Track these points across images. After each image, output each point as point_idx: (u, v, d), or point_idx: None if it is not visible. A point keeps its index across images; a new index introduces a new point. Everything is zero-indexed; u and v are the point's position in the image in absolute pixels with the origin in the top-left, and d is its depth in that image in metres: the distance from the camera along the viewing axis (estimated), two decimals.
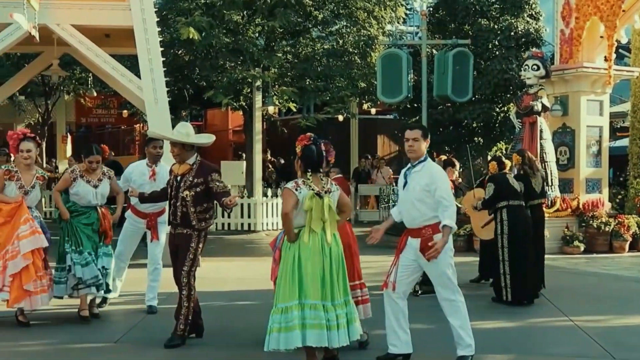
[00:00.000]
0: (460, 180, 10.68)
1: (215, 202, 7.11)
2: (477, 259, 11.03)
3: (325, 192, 6.12)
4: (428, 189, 6.25)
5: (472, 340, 6.41)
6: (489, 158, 11.07)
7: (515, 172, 10.02)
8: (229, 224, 18.10)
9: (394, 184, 17.43)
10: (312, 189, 6.06)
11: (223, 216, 17.99)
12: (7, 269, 7.46)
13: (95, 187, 7.96)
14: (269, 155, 23.69)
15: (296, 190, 6.05)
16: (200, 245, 7.07)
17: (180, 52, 16.93)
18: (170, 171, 7.27)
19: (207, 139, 7.44)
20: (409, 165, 6.51)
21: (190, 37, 14.92)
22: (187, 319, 7.04)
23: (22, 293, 7.48)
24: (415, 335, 6.62)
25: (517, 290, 9.12)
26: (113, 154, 17.33)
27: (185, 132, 7.05)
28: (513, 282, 9.12)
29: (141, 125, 25.23)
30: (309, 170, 6.15)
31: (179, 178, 7.06)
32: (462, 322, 6.39)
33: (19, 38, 12.06)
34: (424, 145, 6.43)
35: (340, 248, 6.22)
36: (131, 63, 14.89)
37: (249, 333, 7.53)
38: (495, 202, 9.35)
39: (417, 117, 17.25)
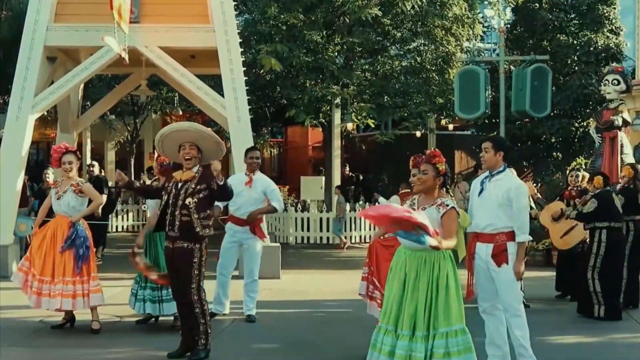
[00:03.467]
0: (538, 195, 10.46)
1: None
2: (554, 273, 10.76)
3: None
4: (509, 198, 6.19)
5: (532, 352, 6.28)
6: (579, 172, 10.75)
7: (619, 186, 9.75)
8: (308, 238, 18.19)
9: None
10: (460, 208, 5.82)
11: (303, 230, 18.09)
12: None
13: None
14: (347, 170, 23.67)
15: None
16: (204, 259, 6.72)
17: (262, 71, 17.19)
18: (170, 178, 6.93)
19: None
20: (487, 173, 6.45)
21: (272, 68, 15.19)
22: (207, 333, 6.76)
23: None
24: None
25: (610, 307, 8.85)
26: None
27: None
28: (606, 299, 8.85)
29: (224, 142, 25.66)
30: (447, 186, 5.97)
31: (179, 185, 6.73)
32: (524, 332, 6.26)
33: (109, 60, 12.45)
34: (496, 157, 6.35)
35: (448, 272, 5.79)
36: (215, 82, 15.19)
37: (325, 346, 7.54)
38: (593, 218, 9.00)
39: (495, 133, 17.03)
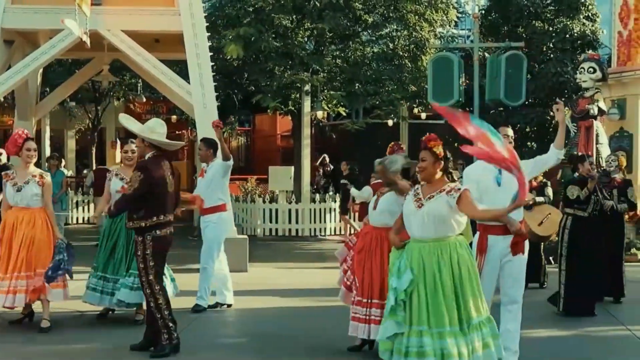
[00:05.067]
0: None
1: (155, 201, 6.75)
2: None
3: None
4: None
5: (518, 347, 6.35)
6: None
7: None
8: (276, 229, 18.19)
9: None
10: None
11: (271, 222, 18.09)
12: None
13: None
14: (327, 161, 23.61)
15: None
16: (148, 252, 6.70)
17: (229, 57, 17.12)
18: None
19: (172, 142, 7.16)
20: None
21: (234, 55, 15.12)
22: (168, 327, 6.73)
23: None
24: None
25: (570, 302, 8.96)
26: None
27: (152, 127, 6.90)
28: (567, 293, 8.97)
29: (190, 130, 25.52)
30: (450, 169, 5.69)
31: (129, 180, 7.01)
32: (517, 326, 6.34)
33: (70, 44, 12.33)
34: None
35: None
36: (180, 68, 15.11)
37: (294, 340, 7.56)
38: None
39: None
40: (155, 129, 6.87)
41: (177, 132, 29.12)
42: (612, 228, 9.57)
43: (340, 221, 17.45)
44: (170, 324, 6.77)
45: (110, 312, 8.42)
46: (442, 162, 5.61)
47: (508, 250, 6.18)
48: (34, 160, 7.84)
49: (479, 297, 5.43)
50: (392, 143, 6.83)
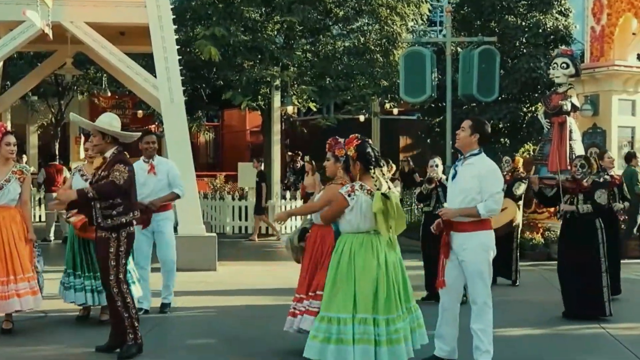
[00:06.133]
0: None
1: (131, 197, 6.74)
2: None
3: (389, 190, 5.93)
4: (480, 183, 6.27)
5: (491, 347, 6.39)
6: (509, 158, 11.08)
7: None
8: (245, 227, 18.13)
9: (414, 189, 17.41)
10: (376, 191, 5.81)
11: (240, 219, 18.04)
12: None
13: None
14: (306, 157, 23.53)
15: (349, 196, 5.84)
16: (122, 249, 6.65)
17: (196, 50, 17.04)
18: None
19: (133, 134, 7.17)
20: (460, 157, 6.54)
21: (212, 57, 15.05)
22: (134, 327, 6.70)
23: None
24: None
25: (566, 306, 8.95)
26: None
27: (109, 121, 6.81)
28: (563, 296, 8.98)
29: (157, 126, 25.38)
30: (371, 168, 5.91)
31: (95, 173, 6.83)
32: (485, 326, 6.36)
33: (31, 36, 12.18)
34: (471, 138, 6.39)
35: (399, 254, 6.04)
36: (146, 62, 15.00)
37: (263, 342, 7.54)
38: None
39: (442, 117, 17.23)
40: (113, 123, 6.81)
41: (143, 127, 28.96)
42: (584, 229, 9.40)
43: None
44: (136, 323, 6.75)
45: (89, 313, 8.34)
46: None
47: (462, 249, 6.32)
48: (14, 155, 7.65)
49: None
50: (330, 139, 6.82)
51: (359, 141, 6.00)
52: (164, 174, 8.62)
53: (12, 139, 7.61)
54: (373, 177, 5.88)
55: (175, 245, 8.86)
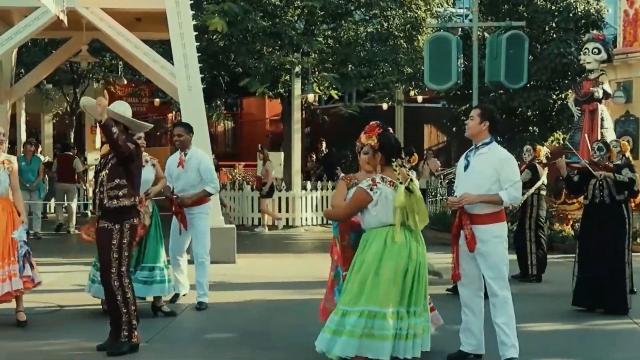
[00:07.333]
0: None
1: (135, 180, 6.70)
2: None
3: (411, 183, 5.86)
4: (495, 173, 6.25)
5: (516, 341, 6.35)
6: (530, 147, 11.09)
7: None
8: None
9: (442, 177, 17.35)
10: (398, 184, 5.74)
11: (259, 210, 18.06)
12: None
13: None
14: (324, 147, 23.65)
15: (371, 190, 5.77)
16: (124, 241, 6.58)
17: (215, 37, 17.03)
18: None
19: (145, 124, 7.22)
20: (472, 147, 6.52)
21: (218, 29, 14.90)
22: (130, 324, 6.62)
23: None
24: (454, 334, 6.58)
25: (576, 295, 8.88)
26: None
27: (123, 109, 6.85)
28: (576, 285, 8.90)
29: (174, 114, 25.44)
30: (394, 159, 5.86)
31: (102, 160, 6.81)
32: (508, 319, 6.33)
33: (46, 22, 12.22)
34: (480, 126, 6.37)
35: (424, 249, 5.98)
36: (164, 49, 15.02)
37: (282, 335, 7.54)
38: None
39: (468, 105, 17.12)
40: (126, 112, 6.84)
41: (160, 115, 29.10)
42: (611, 218, 9.24)
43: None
44: (134, 322, 6.66)
45: None
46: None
47: (479, 240, 6.28)
48: (3, 145, 7.76)
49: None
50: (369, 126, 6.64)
51: (382, 129, 5.94)
52: (194, 168, 8.53)
53: (1, 129, 7.78)
54: (395, 170, 5.83)
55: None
